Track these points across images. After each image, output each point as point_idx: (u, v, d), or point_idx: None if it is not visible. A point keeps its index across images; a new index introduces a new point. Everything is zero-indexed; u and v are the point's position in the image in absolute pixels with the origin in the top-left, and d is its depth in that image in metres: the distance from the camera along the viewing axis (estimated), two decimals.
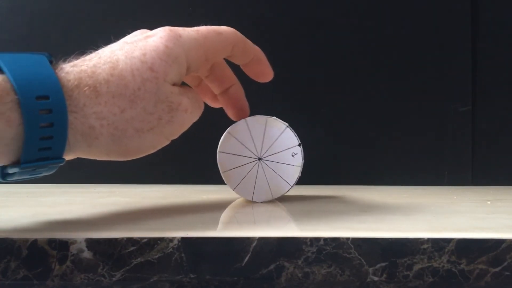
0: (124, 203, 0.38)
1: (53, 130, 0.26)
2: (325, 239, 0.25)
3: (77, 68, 0.28)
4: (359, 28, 0.54)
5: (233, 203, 0.38)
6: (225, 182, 0.38)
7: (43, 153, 0.26)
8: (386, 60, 0.55)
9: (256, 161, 0.37)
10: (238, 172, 0.37)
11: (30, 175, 0.28)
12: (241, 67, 0.37)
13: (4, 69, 0.25)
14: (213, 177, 0.56)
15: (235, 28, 0.34)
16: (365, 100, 0.54)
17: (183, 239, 0.25)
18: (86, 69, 0.28)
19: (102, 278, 0.25)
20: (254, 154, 0.37)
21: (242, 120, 0.37)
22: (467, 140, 0.54)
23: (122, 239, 0.25)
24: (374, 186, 0.52)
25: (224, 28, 0.33)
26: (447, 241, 0.24)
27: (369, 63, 0.55)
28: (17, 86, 0.25)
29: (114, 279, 0.25)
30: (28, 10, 0.56)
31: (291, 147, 0.37)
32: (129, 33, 0.32)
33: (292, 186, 0.37)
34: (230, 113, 0.38)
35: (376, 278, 0.25)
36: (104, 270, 0.25)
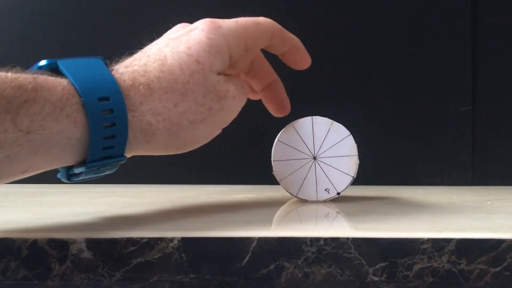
0: (124, 203, 0.38)
1: (115, 129, 0.27)
2: (325, 239, 0.25)
3: (130, 69, 0.29)
4: (359, 28, 0.54)
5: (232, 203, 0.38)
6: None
7: (107, 151, 0.27)
8: (385, 60, 0.55)
9: (312, 161, 0.37)
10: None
11: (95, 174, 0.29)
12: (280, 57, 0.37)
13: (67, 74, 0.26)
14: (213, 177, 0.56)
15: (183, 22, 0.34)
16: (365, 100, 0.54)
17: (183, 239, 0.25)
18: (138, 69, 0.29)
19: (102, 278, 0.25)
20: (308, 154, 0.37)
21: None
22: (467, 140, 0.54)
23: (122, 239, 0.25)
24: (374, 186, 0.52)
25: (262, 18, 0.34)
26: (447, 241, 0.24)
27: (369, 63, 0.55)
28: (81, 89, 0.26)
29: (114, 279, 0.25)
30: (28, 10, 0.56)
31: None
32: (169, 27, 0.33)
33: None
34: (271, 109, 0.39)
35: (376, 278, 0.25)
36: (104, 270, 0.25)
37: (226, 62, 0.32)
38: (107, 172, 0.30)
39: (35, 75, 0.25)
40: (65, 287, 0.25)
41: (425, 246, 0.24)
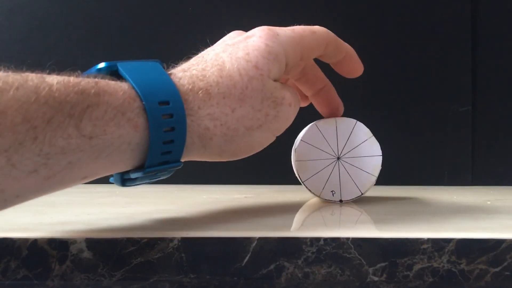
0: (124, 203, 0.38)
1: (174, 134, 0.27)
2: (325, 239, 0.25)
3: (188, 73, 0.29)
4: (359, 28, 0.54)
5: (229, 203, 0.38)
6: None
7: (165, 157, 0.27)
8: (385, 60, 0.55)
9: (335, 161, 0.37)
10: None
11: (150, 179, 0.29)
12: (332, 65, 0.37)
13: (127, 77, 0.26)
14: (213, 177, 0.56)
15: (236, 29, 0.34)
16: (364, 100, 0.54)
17: (183, 239, 0.25)
18: (197, 73, 0.29)
19: (102, 278, 0.25)
20: (332, 154, 0.37)
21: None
22: (467, 140, 0.54)
23: (122, 239, 0.25)
24: (374, 186, 0.52)
25: (317, 27, 0.34)
26: (447, 241, 0.24)
27: (369, 63, 0.54)
28: (142, 93, 0.26)
29: (114, 279, 0.25)
30: (28, 10, 0.56)
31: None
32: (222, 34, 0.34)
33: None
34: (324, 113, 0.39)
35: (376, 278, 0.25)
36: (104, 270, 0.25)
37: (283, 69, 0.32)
38: (162, 178, 0.29)
39: (97, 80, 0.25)
40: (65, 287, 0.25)
41: (425, 246, 0.24)
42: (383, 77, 0.55)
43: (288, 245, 0.25)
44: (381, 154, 0.37)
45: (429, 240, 0.24)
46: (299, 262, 0.25)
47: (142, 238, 0.25)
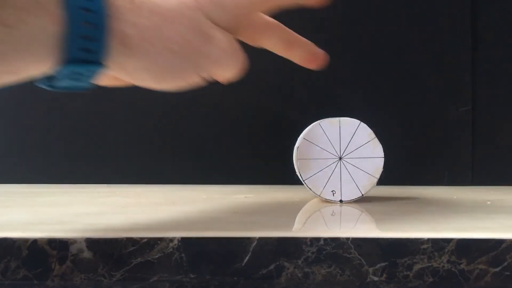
0: (124, 203, 0.38)
1: (93, 30, 0.27)
2: (325, 239, 0.25)
3: None
4: (359, 28, 0.54)
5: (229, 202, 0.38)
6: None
7: (84, 54, 0.27)
8: (386, 60, 0.55)
9: (337, 161, 0.37)
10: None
11: (72, 79, 0.28)
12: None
13: None
14: (213, 177, 0.56)
15: None
16: (364, 100, 0.54)
17: (183, 239, 0.25)
18: None
19: (102, 278, 0.25)
20: (334, 154, 0.37)
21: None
22: (467, 140, 0.54)
23: (122, 239, 0.25)
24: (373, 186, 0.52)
25: None
26: (447, 241, 0.24)
27: (369, 63, 0.55)
28: None
29: (114, 279, 0.25)
30: None
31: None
32: None
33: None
34: (298, 62, 0.36)
35: (376, 278, 0.25)
36: (104, 270, 0.25)
37: (228, 23, 0.31)
38: (87, 83, 0.29)
39: None
40: (65, 287, 0.25)
41: (425, 246, 0.24)
42: (383, 77, 0.54)
43: (288, 245, 0.25)
44: (383, 156, 0.37)
45: (429, 240, 0.24)
46: (299, 262, 0.25)
47: (142, 238, 0.25)
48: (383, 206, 0.37)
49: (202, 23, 0.30)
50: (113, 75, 0.30)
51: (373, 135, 0.37)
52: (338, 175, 0.37)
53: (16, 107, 0.57)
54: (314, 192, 0.37)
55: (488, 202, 0.39)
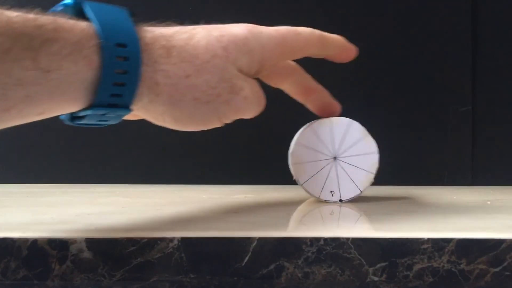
0: (124, 203, 0.38)
1: (126, 77, 0.27)
2: (325, 239, 0.25)
3: (157, 30, 0.29)
4: (359, 27, 0.54)
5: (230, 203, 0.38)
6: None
7: (114, 99, 0.27)
8: (386, 60, 0.55)
9: (332, 161, 0.37)
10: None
11: (98, 120, 0.29)
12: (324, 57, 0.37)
13: (90, 15, 0.27)
14: (213, 177, 0.56)
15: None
16: (364, 100, 0.54)
17: (183, 239, 0.25)
18: (165, 33, 0.29)
19: (102, 278, 0.25)
20: (328, 155, 0.37)
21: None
22: (467, 140, 0.54)
23: (122, 239, 0.25)
24: (373, 186, 0.52)
25: (302, 28, 0.34)
26: (447, 241, 0.24)
27: (369, 63, 0.55)
28: (100, 31, 0.26)
29: (114, 279, 0.25)
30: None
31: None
32: None
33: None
34: (312, 108, 0.39)
35: (376, 278, 0.25)
36: (104, 270, 0.25)
37: (253, 67, 0.32)
38: (111, 122, 0.29)
39: (56, 17, 0.26)
40: (65, 287, 0.25)
41: (425, 246, 0.24)
42: (383, 77, 0.55)
43: (288, 245, 0.25)
44: (377, 151, 0.37)
45: (429, 240, 0.24)
46: (299, 262, 0.25)
47: (142, 238, 0.25)
48: (383, 206, 0.37)
49: (229, 73, 0.30)
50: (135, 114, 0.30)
51: (365, 131, 0.37)
52: (335, 175, 0.37)
53: None
54: (312, 195, 0.37)
55: (488, 202, 0.39)
